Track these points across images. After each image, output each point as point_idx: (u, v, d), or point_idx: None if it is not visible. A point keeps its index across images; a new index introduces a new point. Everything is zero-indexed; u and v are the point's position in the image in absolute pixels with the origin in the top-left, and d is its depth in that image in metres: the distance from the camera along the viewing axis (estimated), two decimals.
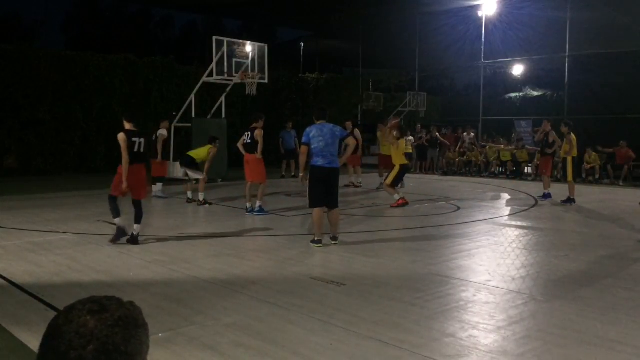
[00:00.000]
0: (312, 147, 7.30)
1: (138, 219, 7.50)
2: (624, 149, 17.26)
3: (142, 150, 7.45)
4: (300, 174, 7.81)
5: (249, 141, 10.28)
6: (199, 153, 12.03)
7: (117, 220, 7.51)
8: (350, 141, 7.74)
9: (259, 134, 10.14)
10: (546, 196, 12.76)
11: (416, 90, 26.47)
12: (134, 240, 7.45)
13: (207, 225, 9.24)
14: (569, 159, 12.29)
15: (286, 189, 14.45)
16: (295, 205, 11.34)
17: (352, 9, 22.49)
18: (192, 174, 11.90)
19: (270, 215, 10.19)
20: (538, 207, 11.84)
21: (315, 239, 7.41)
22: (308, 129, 7.43)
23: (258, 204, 10.24)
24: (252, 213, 10.22)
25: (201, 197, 11.77)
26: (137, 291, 5.27)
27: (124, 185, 7.24)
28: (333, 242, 7.53)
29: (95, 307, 1.06)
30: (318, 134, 7.30)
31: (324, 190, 7.36)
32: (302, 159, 7.64)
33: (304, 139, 7.41)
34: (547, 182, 12.99)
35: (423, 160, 20.92)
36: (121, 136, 7.31)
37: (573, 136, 12.16)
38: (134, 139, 7.36)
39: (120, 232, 7.49)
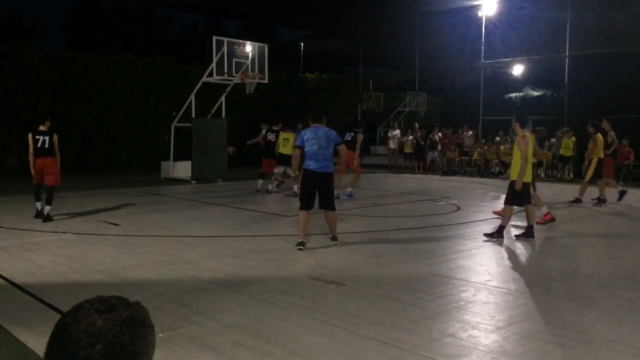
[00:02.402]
0: (305, 149, 7.25)
1: (49, 202, 9.06)
2: (625, 148, 17.25)
3: (46, 146, 9.00)
4: (293, 175, 7.77)
5: (349, 139, 12.35)
6: (289, 145, 12.51)
7: (37, 204, 9.25)
8: (343, 149, 7.59)
9: (360, 138, 12.57)
10: (600, 201, 11.88)
11: (416, 90, 26.50)
12: (47, 219, 8.99)
13: (207, 225, 9.24)
14: (595, 160, 11.68)
15: (287, 189, 14.45)
16: (295, 206, 11.33)
17: (352, 9, 22.48)
18: (289, 171, 12.45)
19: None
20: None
21: (299, 240, 7.31)
22: (303, 132, 7.43)
23: (349, 189, 12.50)
24: (348, 198, 12.32)
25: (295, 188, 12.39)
26: (137, 291, 5.27)
27: (33, 172, 9.04)
28: (333, 242, 7.52)
29: (103, 307, 1.07)
30: (312, 137, 7.24)
31: (315, 194, 7.32)
32: (295, 162, 7.59)
33: (297, 142, 7.41)
34: (604, 185, 11.96)
35: (422, 160, 20.92)
36: (29, 136, 9.07)
37: (599, 137, 11.68)
38: (37, 137, 8.99)
39: (39, 213, 9.18)
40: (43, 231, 8.35)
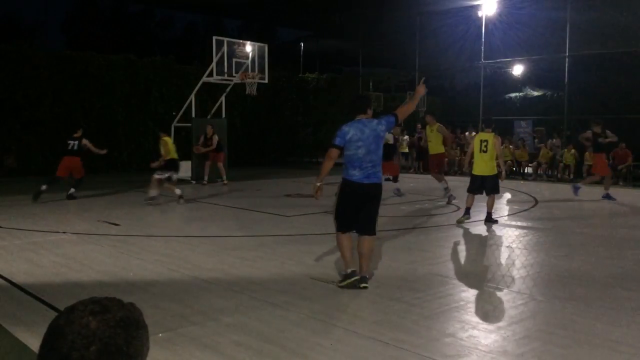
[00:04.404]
0: (348, 154, 5.38)
1: (76, 186, 11.87)
2: (622, 151, 17.23)
3: (75, 148, 11.81)
4: (318, 184, 5.61)
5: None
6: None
7: (43, 187, 11.30)
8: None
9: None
10: None
11: None
12: (70, 197, 11.75)
13: (207, 225, 9.24)
14: None
15: (285, 190, 14.44)
16: (295, 206, 11.33)
17: (352, 9, 22.48)
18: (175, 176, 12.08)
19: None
20: (538, 207, 11.83)
21: (348, 271, 5.49)
22: (345, 128, 5.38)
23: (606, 192, 12.31)
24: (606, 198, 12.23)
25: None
26: (137, 291, 5.27)
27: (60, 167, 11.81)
28: (362, 286, 5.38)
29: (96, 308, 1.06)
30: (357, 136, 5.33)
31: (357, 211, 5.50)
32: (328, 165, 5.52)
33: (337, 141, 5.39)
34: None
35: (422, 160, 20.89)
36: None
37: None
38: (69, 142, 11.85)
39: (40, 192, 11.29)
40: (43, 231, 8.36)
